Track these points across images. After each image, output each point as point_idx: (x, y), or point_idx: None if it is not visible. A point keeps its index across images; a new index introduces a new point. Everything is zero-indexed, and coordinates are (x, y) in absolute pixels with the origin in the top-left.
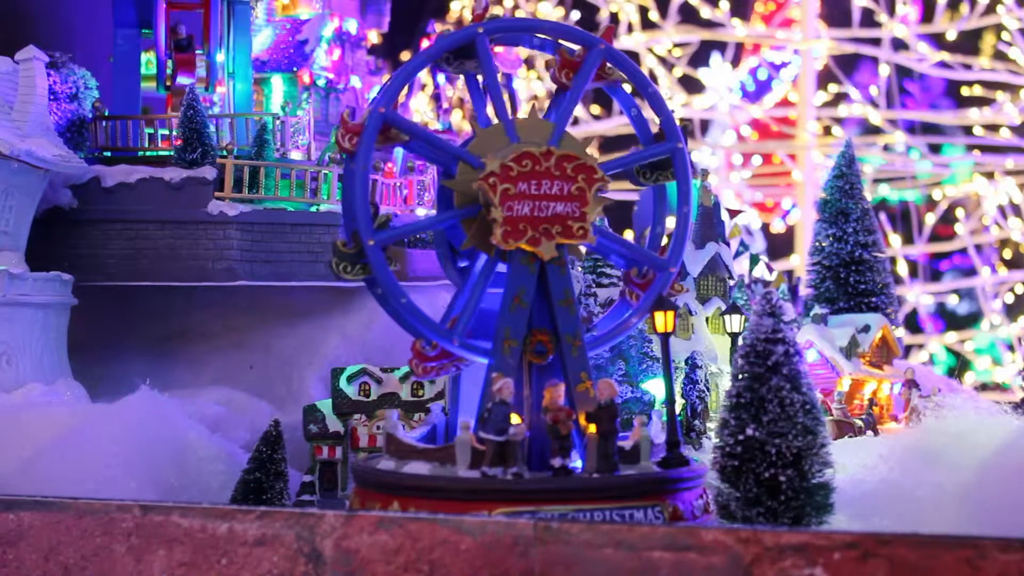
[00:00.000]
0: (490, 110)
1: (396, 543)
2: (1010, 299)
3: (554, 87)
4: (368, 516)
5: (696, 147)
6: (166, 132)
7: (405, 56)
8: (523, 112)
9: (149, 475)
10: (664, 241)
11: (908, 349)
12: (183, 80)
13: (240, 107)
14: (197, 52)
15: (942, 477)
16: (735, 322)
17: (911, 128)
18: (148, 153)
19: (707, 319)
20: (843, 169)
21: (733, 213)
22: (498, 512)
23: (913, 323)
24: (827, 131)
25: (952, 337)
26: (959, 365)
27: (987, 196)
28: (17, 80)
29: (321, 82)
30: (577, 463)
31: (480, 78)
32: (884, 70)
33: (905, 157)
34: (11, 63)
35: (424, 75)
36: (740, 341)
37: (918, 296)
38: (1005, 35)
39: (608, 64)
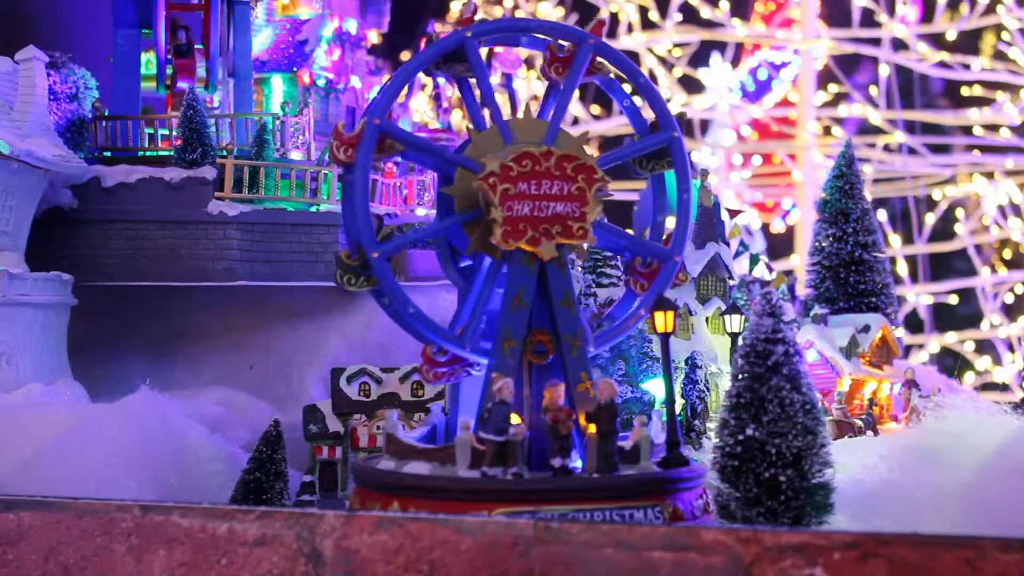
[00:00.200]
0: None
1: (396, 543)
2: (1010, 299)
3: None
4: (368, 516)
5: (696, 147)
6: (166, 132)
7: (405, 56)
8: (523, 112)
9: (149, 475)
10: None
11: (908, 349)
12: (183, 85)
13: (240, 107)
14: (197, 49)
15: (942, 477)
16: (735, 322)
17: (911, 128)
18: (148, 153)
19: (707, 319)
20: (843, 169)
21: (733, 213)
22: (498, 512)
23: (913, 323)
24: (827, 131)
25: (952, 337)
26: (959, 365)
27: (987, 196)
28: (17, 80)
29: (321, 82)
30: (577, 463)
31: (473, 81)
32: (884, 70)
33: (905, 157)
34: (11, 63)
35: (423, 75)
36: (740, 341)
37: (918, 296)
38: (1005, 35)
39: (599, 58)
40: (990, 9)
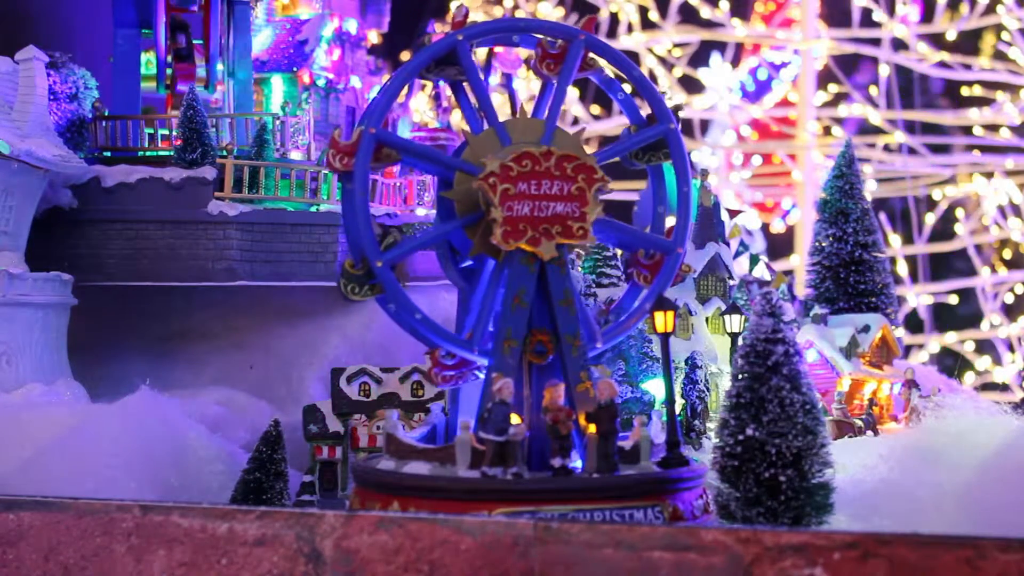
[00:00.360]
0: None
1: (396, 543)
2: (1010, 299)
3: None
4: (368, 516)
5: (696, 147)
6: (166, 132)
7: (405, 56)
8: (519, 112)
9: (149, 475)
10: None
11: (908, 349)
12: (183, 88)
13: (240, 107)
14: (196, 45)
15: (942, 477)
16: (735, 322)
17: (911, 128)
18: (148, 153)
19: (707, 319)
20: (843, 169)
21: (733, 213)
22: (498, 512)
23: (913, 323)
24: (827, 131)
25: (952, 337)
26: (959, 365)
27: (987, 196)
28: (17, 80)
29: (321, 82)
30: (577, 463)
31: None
32: (884, 70)
33: (905, 157)
34: (11, 63)
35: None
36: (740, 341)
37: (918, 296)
38: (1005, 35)
39: (591, 54)
40: (990, 9)
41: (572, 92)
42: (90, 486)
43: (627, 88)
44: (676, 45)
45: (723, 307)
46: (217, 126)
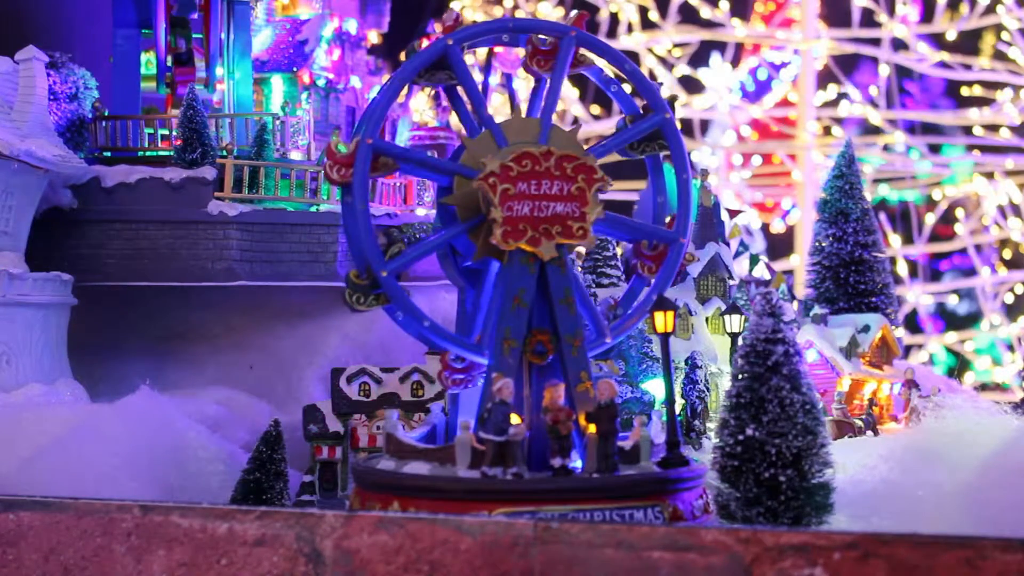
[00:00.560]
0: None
1: (396, 543)
2: (1010, 299)
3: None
4: (368, 516)
5: (696, 147)
6: (166, 132)
7: (404, 57)
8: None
9: (149, 475)
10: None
11: (908, 349)
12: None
13: (240, 107)
14: (196, 38)
15: (942, 477)
16: (735, 322)
17: (911, 128)
18: (148, 153)
19: (707, 319)
20: (843, 169)
21: (733, 213)
22: (498, 512)
23: (913, 323)
24: (827, 131)
25: (952, 337)
26: (959, 365)
27: (987, 196)
28: (17, 80)
29: (321, 82)
30: (577, 463)
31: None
32: (884, 70)
33: (905, 157)
34: (11, 63)
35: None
36: (740, 341)
37: (918, 296)
38: (1005, 35)
39: (582, 50)
40: (990, 9)
41: (572, 92)
42: (90, 486)
43: (626, 88)
44: (676, 45)
45: (723, 307)
46: (217, 126)
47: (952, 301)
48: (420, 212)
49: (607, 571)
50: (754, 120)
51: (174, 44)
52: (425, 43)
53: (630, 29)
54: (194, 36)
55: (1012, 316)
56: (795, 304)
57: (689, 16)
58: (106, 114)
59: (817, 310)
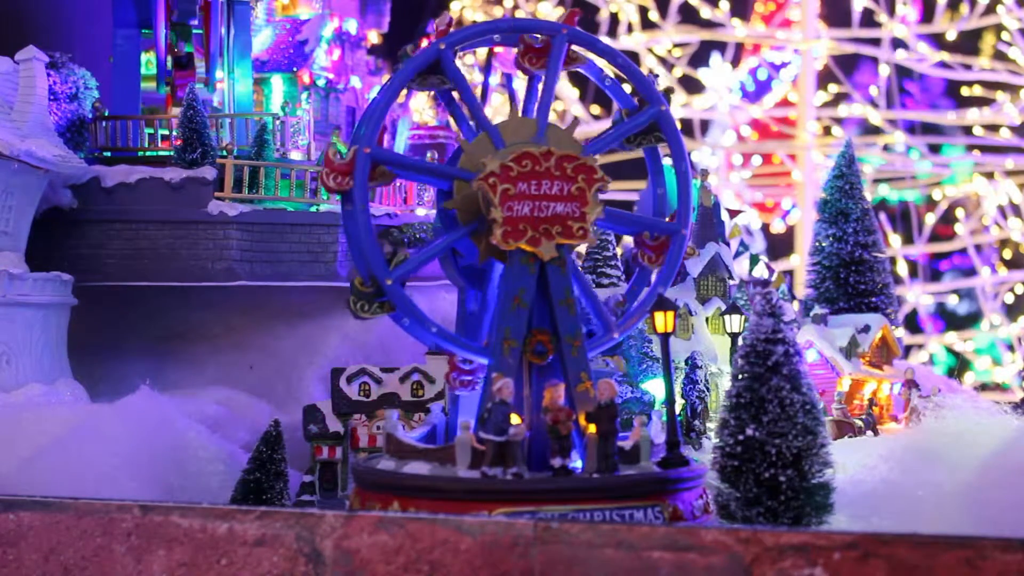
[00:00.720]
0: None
1: (396, 543)
2: (1010, 299)
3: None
4: (368, 516)
5: (696, 147)
6: (166, 132)
7: None
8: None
9: (149, 475)
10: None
11: (908, 349)
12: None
13: (240, 107)
14: (197, 35)
15: (942, 477)
16: (735, 322)
17: (911, 128)
18: (148, 153)
19: (707, 319)
20: (843, 169)
21: (733, 213)
22: (498, 512)
23: (913, 323)
24: (827, 131)
25: (952, 337)
26: (959, 365)
27: (987, 196)
28: (17, 80)
29: (321, 82)
30: (577, 463)
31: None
32: (884, 70)
33: (905, 157)
34: (11, 63)
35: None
36: (740, 341)
37: (918, 296)
38: (1005, 35)
39: (574, 47)
40: (990, 9)
41: (572, 92)
42: (90, 486)
43: (627, 87)
44: (676, 45)
45: (723, 307)
46: (217, 126)
47: (952, 301)
48: (420, 212)
49: (607, 571)
50: (754, 120)
51: (174, 46)
52: (425, 43)
53: (630, 29)
54: (194, 32)
55: (1012, 316)
56: (795, 304)
57: (689, 16)
58: (106, 114)
59: (817, 310)
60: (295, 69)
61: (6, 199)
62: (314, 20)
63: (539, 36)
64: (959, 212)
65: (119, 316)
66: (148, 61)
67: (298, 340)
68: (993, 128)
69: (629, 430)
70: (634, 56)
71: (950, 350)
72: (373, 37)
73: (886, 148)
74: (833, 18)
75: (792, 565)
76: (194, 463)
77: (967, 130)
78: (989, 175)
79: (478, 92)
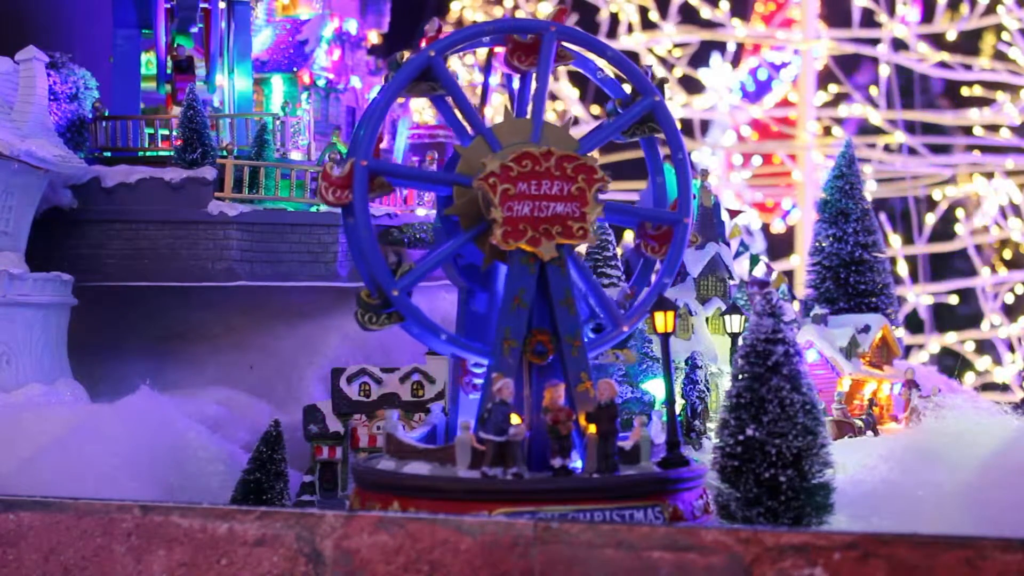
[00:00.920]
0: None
1: (396, 543)
2: (1010, 299)
3: (555, 83)
4: (368, 516)
5: (696, 147)
6: (166, 132)
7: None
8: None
9: (149, 475)
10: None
11: (908, 349)
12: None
13: (240, 107)
14: (196, 33)
15: (942, 477)
16: (735, 322)
17: (911, 128)
18: (148, 153)
19: (707, 319)
20: (843, 169)
21: (733, 213)
22: (498, 512)
23: (914, 323)
24: (827, 131)
25: (952, 337)
26: (959, 365)
27: (987, 196)
28: (17, 80)
29: (321, 82)
30: (577, 463)
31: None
32: (884, 70)
33: (905, 157)
34: (11, 63)
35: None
36: (740, 341)
37: (918, 296)
38: (1005, 35)
39: (564, 44)
40: (990, 9)
41: (572, 92)
42: (90, 486)
43: (626, 87)
44: (676, 45)
45: (723, 307)
46: (217, 126)
47: (952, 301)
48: (420, 212)
49: (607, 571)
50: (754, 120)
51: (174, 47)
52: (423, 45)
53: (630, 29)
54: (194, 29)
55: (1012, 316)
56: (795, 304)
57: (689, 16)
58: (106, 114)
59: (817, 310)
60: (295, 69)
61: (6, 199)
62: (314, 20)
63: (529, 36)
64: (959, 212)
65: (119, 316)
66: (148, 61)
67: (298, 340)
68: (993, 128)
69: (629, 430)
70: (634, 56)
71: (950, 350)
72: (373, 37)
73: (886, 148)
74: (833, 18)
75: (792, 565)
76: (194, 463)
77: (967, 130)
78: (989, 175)
79: (479, 92)
